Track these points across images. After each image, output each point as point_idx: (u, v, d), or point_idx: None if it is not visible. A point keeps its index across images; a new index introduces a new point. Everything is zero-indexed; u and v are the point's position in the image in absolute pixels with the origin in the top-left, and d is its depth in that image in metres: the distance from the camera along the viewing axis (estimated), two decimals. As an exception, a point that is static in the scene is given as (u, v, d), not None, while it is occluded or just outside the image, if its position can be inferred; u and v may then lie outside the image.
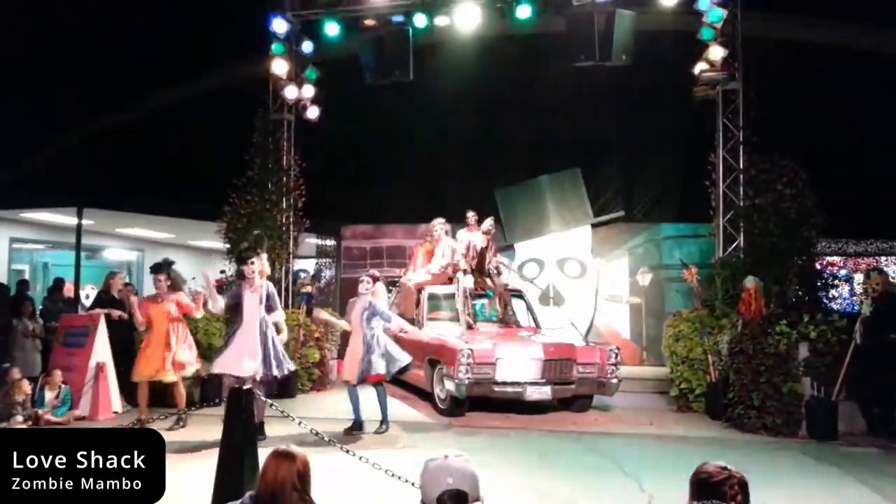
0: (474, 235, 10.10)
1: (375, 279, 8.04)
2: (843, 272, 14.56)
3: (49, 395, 8.24)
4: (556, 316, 10.27)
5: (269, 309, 7.37)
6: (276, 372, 7.24)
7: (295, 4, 11.14)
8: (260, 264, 7.51)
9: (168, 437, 7.31)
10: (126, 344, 9.31)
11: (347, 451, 4.71)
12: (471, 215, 10.33)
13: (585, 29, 9.76)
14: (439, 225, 10.44)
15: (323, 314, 8.91)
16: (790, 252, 9.21)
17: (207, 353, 8.52)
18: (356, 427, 7.75)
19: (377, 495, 5.27)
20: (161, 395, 8.27)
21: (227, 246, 10.88)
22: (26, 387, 8.02)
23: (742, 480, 2.39)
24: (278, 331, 7.48)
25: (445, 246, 10.42)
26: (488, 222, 9.82)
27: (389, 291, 11.60)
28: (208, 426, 7.51)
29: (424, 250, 10.91)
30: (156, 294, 8.11)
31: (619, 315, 12.89)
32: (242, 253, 7.65)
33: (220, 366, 7.27)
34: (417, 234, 12.20)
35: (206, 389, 8.97)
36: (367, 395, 7.96)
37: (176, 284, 8.19)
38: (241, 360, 7.12)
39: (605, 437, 7.81)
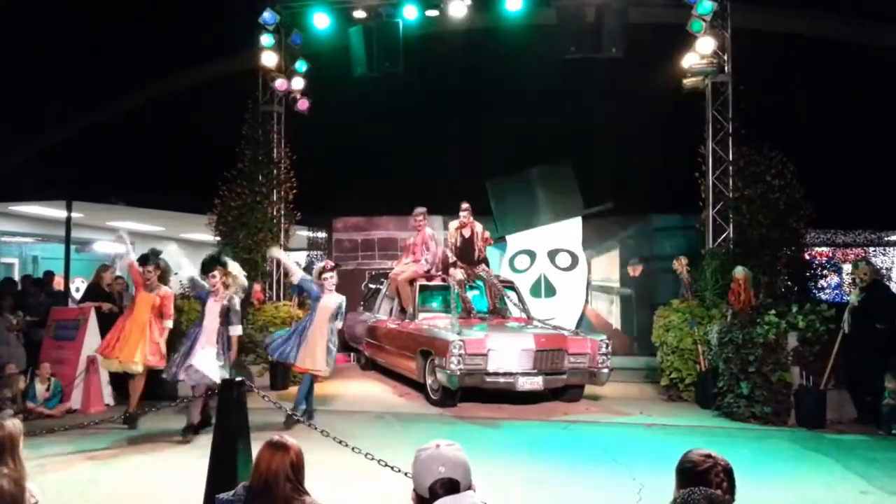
0: (464, 228, 10.12)
1: (334, 268, 7.94)
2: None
3: (40, 388, 8.24)
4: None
5: (228, 322, 7.29)
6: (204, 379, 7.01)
7: (284, -4, 11.08)
8: (222, 276, 7.32)
9: (161, 428, 7.37)
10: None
11: (340, 442, 4.73)
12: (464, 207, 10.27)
13: (576, 21, 9.78)
14: (422, 216, 10.40)
15: (276, 252, 8.74)
16: (779, 243, 9.30)
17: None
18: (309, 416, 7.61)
19: (369, 485, 5.31)
20: (154, 387, 8.23)
21: (218, 238, 10.87)
22: (21, 383, 8.02)
23: (727, 467, 2.41)
24: (230, 345, 7.33)
25: (429, 241, 10.40)
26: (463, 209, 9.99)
27: (381, 283, 11.64)
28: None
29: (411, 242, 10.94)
30: (146, 282, 7.88)
31: (610, 306, 12.95)
32: (204, 264, 7.49)
33: (183, 375, 7.15)
34: (409, 226, 12.18)
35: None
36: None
37: (164, 276, 8.08)
38: (197, 369, 7.05)
39: (596, 426, 7.87)
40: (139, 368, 7.51)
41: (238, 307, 7.42)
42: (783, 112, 12.26)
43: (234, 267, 7.49)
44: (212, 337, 7.23)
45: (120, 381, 8.73)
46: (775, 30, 13.15)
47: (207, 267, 7.40)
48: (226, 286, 7.34)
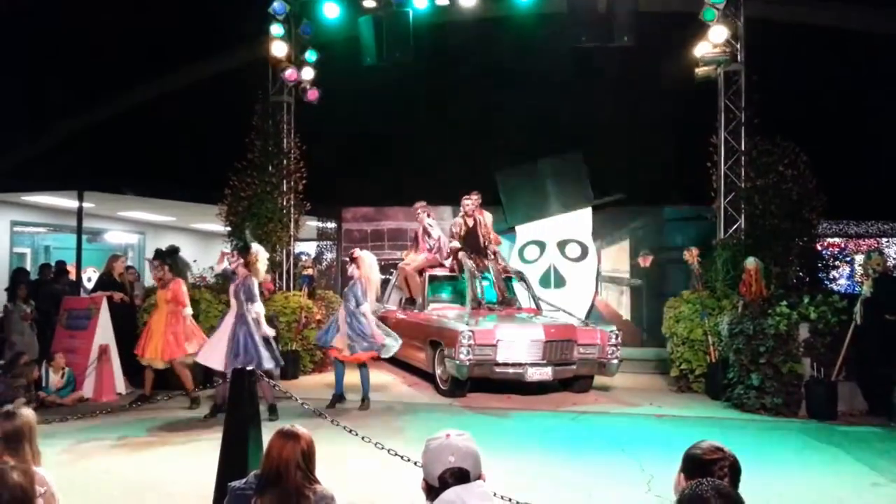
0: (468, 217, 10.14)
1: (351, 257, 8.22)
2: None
3: (54, 378, 8.32)
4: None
5: (248, 301, 7.31)
6: (239, 364, 6.85)
7: (294, -15, 11.05)
8: (236, 258, 7.52)
9: (173, 417, 7.44)
10: (129, 326, 9.37)
11: (350, 431, 4.75)
12: (474, 198, 10.28)
13: (587, 10, 9.70)
14: (420, 209, 10.45)
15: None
16: (791, 233, 9.23)
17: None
18: (339, 399, 8.11)
19: (380, 474, 5.33)
20: (165, 377, 8.35)
21: (228, 229, 10.91)
22: (35, 372, 8.11)
23: (734, 464, 2.38)
24: (258, 324, 7.33)
25: (428, 227, 10.45)
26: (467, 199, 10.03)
27: (390, 274, 11.68)
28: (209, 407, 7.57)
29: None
30: (160, 279, 8.32)
31: (620, 296, 12.92)
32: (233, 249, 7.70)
33: (200, 356, 7.46)
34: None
35: (208, 371, 8.99)
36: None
37: (177, 270, 8.25)
38: (210, 352, 7.24)
39: (605, 417, 7.87)
40: (159, 364, 8.03)
41: (252, 286, 7.35)
42: (796, 102, 12.15)
43: (256, 250, 7.55)
44: (230, 320, 7.30)
45: (133, 370, 8.84)
46: (788, 18, 13.02)
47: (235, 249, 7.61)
48: (247, 267, 7.39)
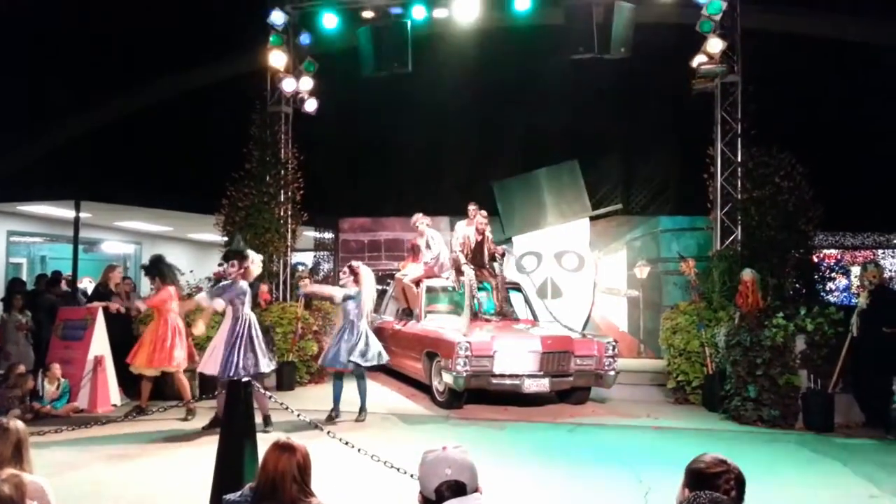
0: (470, 228, 10.13)
1: (352, 270, 8.14)
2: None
3: (49, 389, 8.28)
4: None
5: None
6: (241, 372, 6.81)
7: (293, -4, 11.09)
8: (240, 265, 7.37)
9: (168, 429, 7.40)
10: (124, 337, 9.34)
11: (346, 443, 4.73)
12: (472, 208, 10.31)
13: (584, 21, 9.74)
14: (420, 220, 10.47)
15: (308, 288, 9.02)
16: (787, 245, 9.24)
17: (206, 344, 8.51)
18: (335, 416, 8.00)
19: (376, 487, 5.30)
20: (161, 388, 8.34)
21: (225, 239, 10.89)
22: (30, 383, 8.08)
23: (739, 476, 2.37)
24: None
25: (430, 240, 10.47)
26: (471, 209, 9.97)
27: (387, 284, 11.66)
28: (208, 418, 7.53)
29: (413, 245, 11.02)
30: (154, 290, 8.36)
31: (617, 308, 12.90)
32: (225, 254, 7.67)
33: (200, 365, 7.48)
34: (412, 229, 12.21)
35: (204, 382, 8.96)
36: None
37: (166, 279, 8.20)
38: (213, 360, 7.16)
39: (602, 429, 7.85)
40: (149, 372, 8.05)
41: (241, 288, 7.21)
42: (792, 113, 12.21)
43: (252, 256, 7.51)
44: (226, 328, 7.25)
45: (128, 382, 8.81)
46: (785, 30, 13.10)
47: (226, 257, 7.54)
48: (244, 276, 7.35)
